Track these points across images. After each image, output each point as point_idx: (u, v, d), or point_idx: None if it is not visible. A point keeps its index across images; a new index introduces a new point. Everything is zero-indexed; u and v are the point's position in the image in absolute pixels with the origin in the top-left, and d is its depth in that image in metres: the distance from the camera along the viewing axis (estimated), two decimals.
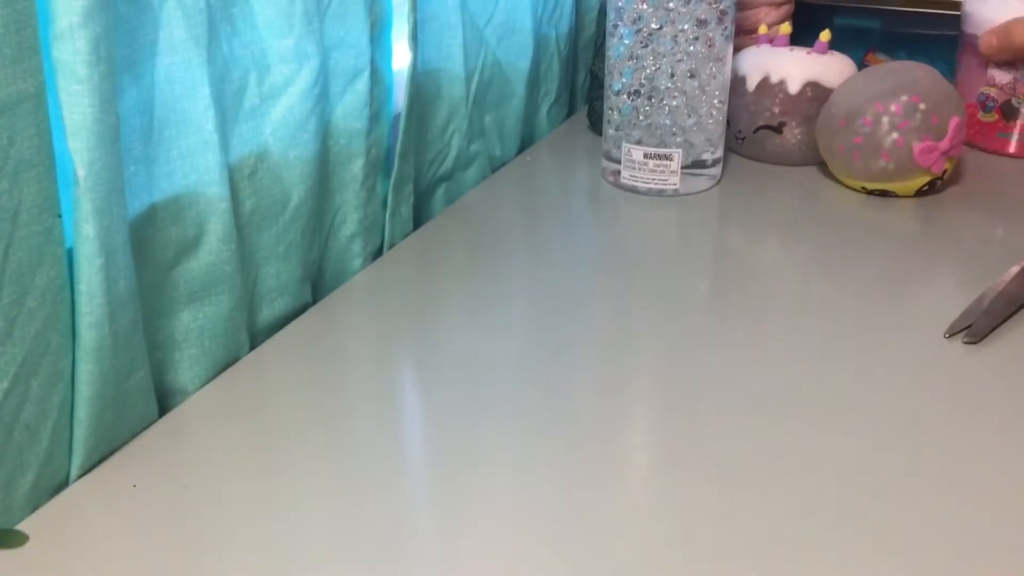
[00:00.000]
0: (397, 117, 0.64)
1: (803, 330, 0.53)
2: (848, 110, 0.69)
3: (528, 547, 0.38)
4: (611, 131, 0.72)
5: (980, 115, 0.75)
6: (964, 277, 0.59)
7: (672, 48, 0.67)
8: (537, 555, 0.37)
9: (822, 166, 0.76)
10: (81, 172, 0.38)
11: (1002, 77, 0.74)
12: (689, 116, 0.69)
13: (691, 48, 0.67)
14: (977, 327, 0.52)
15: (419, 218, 0.69)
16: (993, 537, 0.38)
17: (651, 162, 0.70)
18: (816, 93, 0.75)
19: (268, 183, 0.52)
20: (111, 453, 0.43)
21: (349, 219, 0.60)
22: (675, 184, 0.71)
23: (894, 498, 0.40)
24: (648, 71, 0.68)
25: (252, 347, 0.52)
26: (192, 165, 0.46)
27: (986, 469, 0.42)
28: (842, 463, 0.42)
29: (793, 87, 0.75)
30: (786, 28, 0.78)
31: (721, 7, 0.67)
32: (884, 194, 0.71)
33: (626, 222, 0.69)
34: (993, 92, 0.71)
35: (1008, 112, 0.72)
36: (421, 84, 0.66)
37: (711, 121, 0.70)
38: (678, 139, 0.70)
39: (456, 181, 0.75)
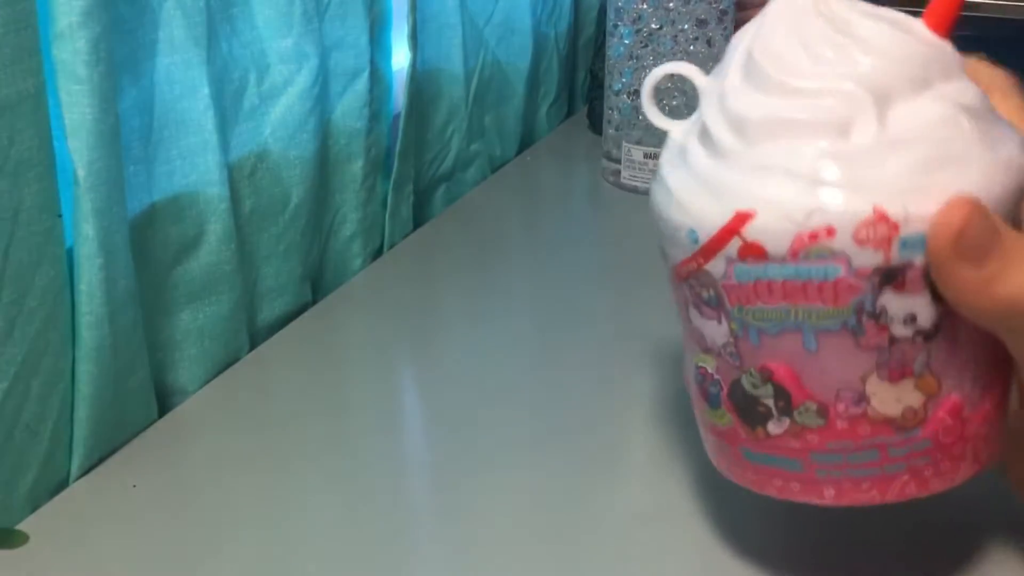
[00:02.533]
0: (397, 117, 0.64)
1: None
2: None
3: (529, 548, 0.38)
4: (611, 131, 0.72)
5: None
6: None
7: (672, 48, 0.67)
8: (538, 556, 0.37)
9: None
10: (81, 172, 0.38)
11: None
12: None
13: (691, 48, 0.67)
14: None
15: (419, 218, 0.69)
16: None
17: (651, 162, 0.70)
18: None
19: (268, 183, 0.52)
20: (111, 453, 0.43)
21: (349, 219, 0.60)
22: None
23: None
24: (648, 71, 0.68)
25: (252, 347, 0.52)
26: (192, 165, 0.46)
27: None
28: None
29: None
30: None
31: (721, 7, 0.67)
32: None
33: (626, 222, 0.69)
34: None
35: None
36: (421, 84, 0.66)
37: None
38: None
39: (456, 181, 0.75)
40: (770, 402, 0.29)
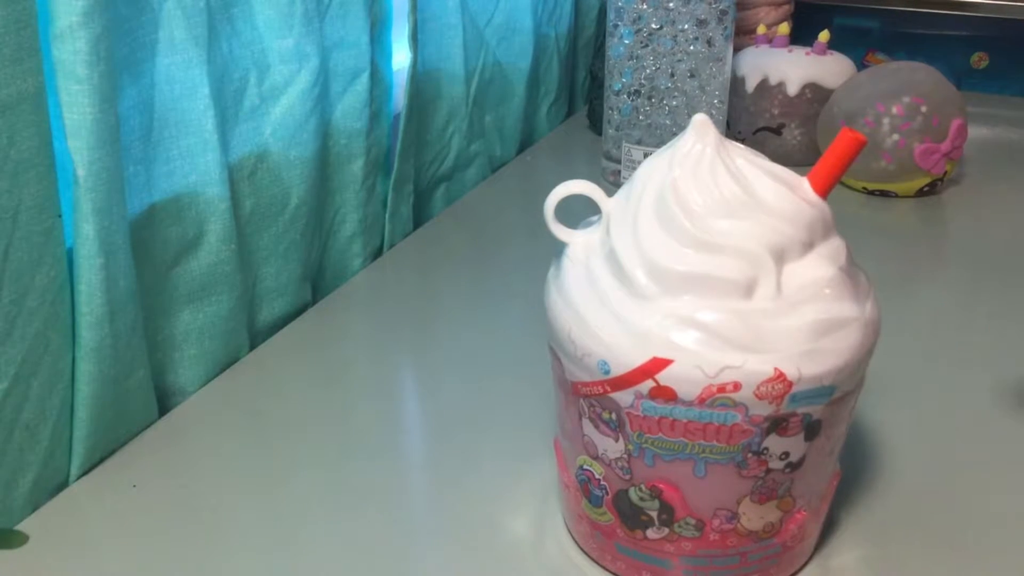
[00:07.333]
0: (397, 117, 0.64)
1: None
2: (849, 110, 0.69)
3: (529, 547, 0.38)
4: (611, 131, 0.72)
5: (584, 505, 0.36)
6: (964, 277, 0.59)
7: (672, 48, 0.67)
8: (538, 554, 0.37)
9: None
10: (81, 172, 0.38)
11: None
12: (689, 116, 0.69)
13: (691, 48, 0.67)
14: None
15: (419, 218, 0.69)
16: (998, 537, 0.38)
17: None
18: (815, 94, 0.75)
19: (268, 183, 0.52)
20: (111, 453, 0.43)
21: (349, 219, 0.60)
22: None
23: (889, 498, 0.40)
24: (648, 71, 0.68)
25: (252, 347, 0.52)
26: (192, 165, 0.46)
27: (987, 469, 0.42)
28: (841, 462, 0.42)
29: (792, 89, 0.75)
30: (784, 28, 0.78)
31: (721, 7, 0.67)
32: (885, 194, 0.71)
33: None
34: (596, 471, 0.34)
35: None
36: (421, 84, 0.66)
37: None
38: None
39: (456, 181, 0.75)
40: (654, 514, 0.33)
